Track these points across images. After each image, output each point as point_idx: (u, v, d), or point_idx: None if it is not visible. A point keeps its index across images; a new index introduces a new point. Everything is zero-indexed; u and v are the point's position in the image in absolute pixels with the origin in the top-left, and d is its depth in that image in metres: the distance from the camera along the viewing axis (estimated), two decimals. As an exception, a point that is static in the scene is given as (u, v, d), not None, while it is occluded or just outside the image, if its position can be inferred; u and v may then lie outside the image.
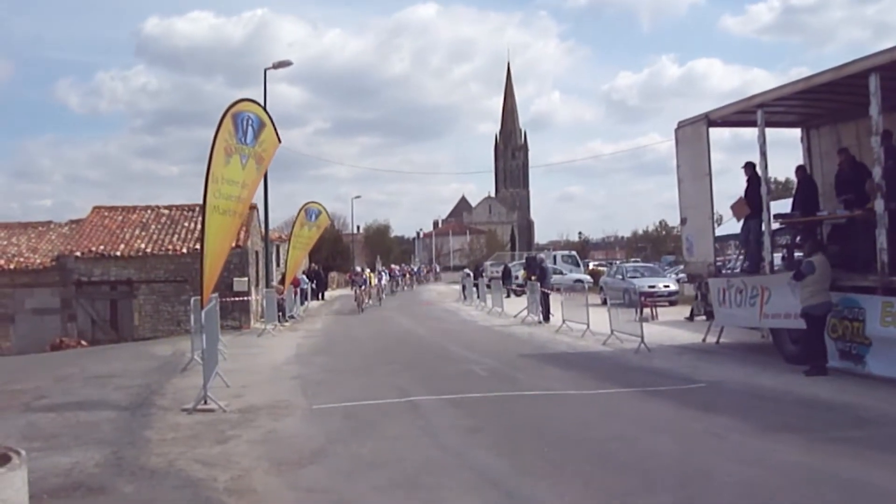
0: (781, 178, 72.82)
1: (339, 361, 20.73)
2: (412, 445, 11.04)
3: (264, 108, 17.93)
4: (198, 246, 16.00)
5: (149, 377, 18.43)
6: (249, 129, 16.93)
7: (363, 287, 44.60)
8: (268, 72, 36.32)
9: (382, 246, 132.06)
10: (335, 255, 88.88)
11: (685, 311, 31.05)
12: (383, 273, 59.43)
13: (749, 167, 20.08)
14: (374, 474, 9.52)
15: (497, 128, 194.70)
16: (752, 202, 19.63)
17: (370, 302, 46.19)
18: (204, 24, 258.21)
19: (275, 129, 18.06)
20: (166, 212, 38.79)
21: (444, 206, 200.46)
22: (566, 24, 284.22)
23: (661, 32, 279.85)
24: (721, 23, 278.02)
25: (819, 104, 19.85)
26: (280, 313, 34.72)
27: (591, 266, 74.97)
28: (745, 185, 20.04)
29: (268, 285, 37.03)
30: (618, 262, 70.61)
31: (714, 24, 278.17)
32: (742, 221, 20.66)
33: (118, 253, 34.89)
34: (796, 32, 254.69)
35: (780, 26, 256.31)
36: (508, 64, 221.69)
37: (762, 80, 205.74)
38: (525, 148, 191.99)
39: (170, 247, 35.21)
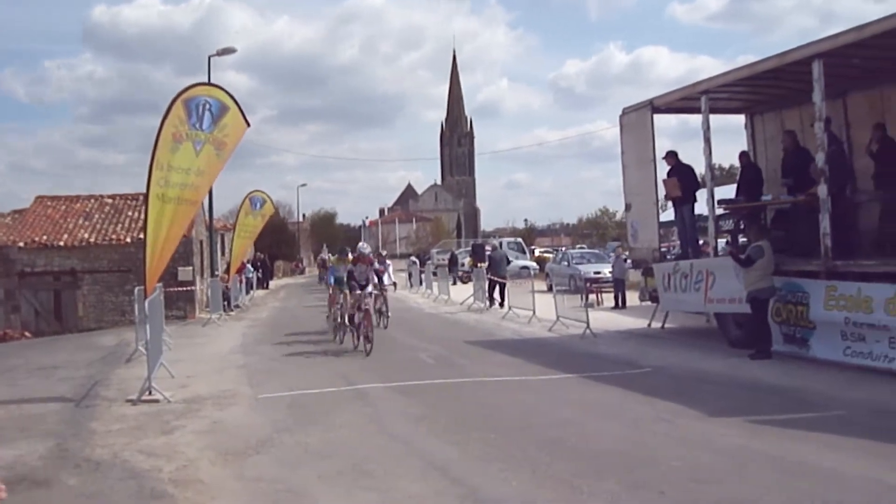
0: (726, 165, 73.41)
1: (285, 350, 20.64)
2: (359, 434, 11.02)
3: (228, 92, 17.63)
4: (142, 235, 15.82)
5: (93, 368, 18.26)
6: (206, 114, 16.64)
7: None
8: (212, 59, 36.09)
9: (328, 234, 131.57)
10: (280, 243, 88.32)
11: (632, 296, 31.15)
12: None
13: (671, 156, 20.25)
14: (321, 463, 9.51)
15: (443, 115, 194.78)
16: (682, 189, 19.78)
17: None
18: (152, 11, 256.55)
19: (241, 112, 17.77)
20: (110, 201, 38.37)
21: (391, 194, 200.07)
22: (515, 12, 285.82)
23: (609, 20, 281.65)
24: (669, 10, 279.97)
25: (763, 90, 20.00)
26: (225, 303, 34.55)
27: (537, 253, 75.07)
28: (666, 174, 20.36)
29: (213, 275, 36.81)
30: (563, 248, 70.68)
31: (662, 12, 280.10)
32: (673, 208, 20.84)
33: (61, 243, 34.53)
34: (744, 20, 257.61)
35: (728, 14, 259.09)
36: (454, 52, 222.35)
37: (710, 68, 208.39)
38: (471, 135, 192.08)
39: (114, 236, 34.88)
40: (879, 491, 7.74)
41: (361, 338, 19.40)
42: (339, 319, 22.00)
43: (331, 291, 24.23)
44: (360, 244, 22.07)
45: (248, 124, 18.14)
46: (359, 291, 19.87)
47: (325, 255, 64.81)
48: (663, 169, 20.41)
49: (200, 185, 17.02)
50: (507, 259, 38.30)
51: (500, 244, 55.42)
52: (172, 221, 15.93)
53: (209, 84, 17.78)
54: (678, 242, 23.15)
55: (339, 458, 9.73)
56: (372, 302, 20.15)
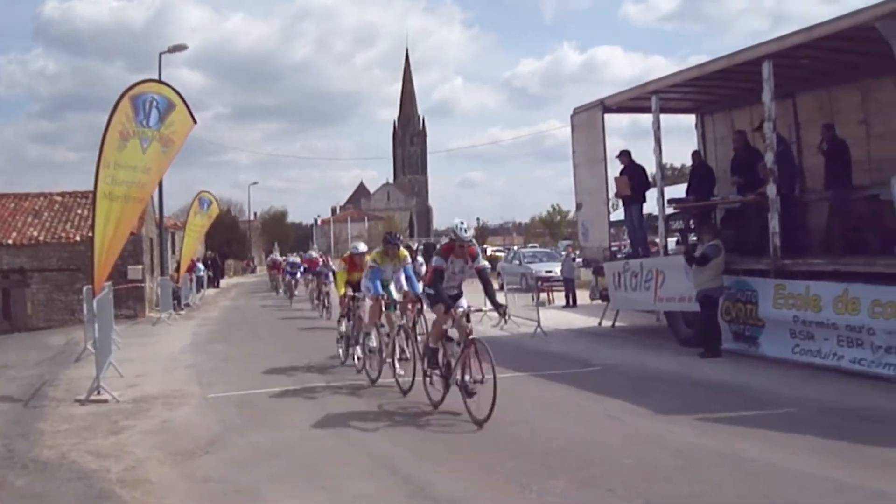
0: (678, 165, 73.82)
1: (235, 349, 20.57)
2: (309, 433, 10.97)
3: (175, 89, 17.49)
4: (91, 234, 15.69)
5: (42, 368, 18.10)
6: (153, 111, 16.50)
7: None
8: (164, 56, 35.88)
9: (279, 233, 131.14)
10: (231, 242, 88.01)
11: (582, 295, 31.20)
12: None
13: (624, 155, 20.38)
14: (272, 463, 9.46)
15: (396, 114, 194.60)
16: (632, 188, 19.91)
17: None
18: (104, 7, 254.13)
19: (188, 109, 17.64)
20: (59, 199, 37.88)
21: (343, 193, 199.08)
22: (471, 11, 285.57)
23: (563, 20, 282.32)
24: (623, 11, 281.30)
25: (713, 91, 20.14)
26: (175, 302, 34.28)
27: (489, 252, 75.02)
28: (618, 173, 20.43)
29: (163, 273, 36.56)
30: (515, 247, 70.76)
31: (616, 12, 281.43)
32: (623, 207, 20.96)
33: (10, 241, 34.05)
34: (697, 21, 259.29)
35: (680, 15, 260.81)
36: (407, 50, 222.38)
37: (662, 68, 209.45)
38: (424, 134, 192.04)
39: (63, 234, 34.48)
40: (829, 488, 7.81)
41: (462, 393, 11.30)
42: (378, 350, 14.72)
43: (366, 303, 15.44)
44: (455, 221, 11.80)
45: (195, 121, 18.01)
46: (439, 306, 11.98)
47: (276, 255, 64.02)
48: (614, 168, 20.54)
49: (147, 182, 16.88)
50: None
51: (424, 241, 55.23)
52: (120, 220, 15.79)
53: (156, 81, 17.63)
54: (629, 241, 23.28)
55: (289, 457, 9.70)
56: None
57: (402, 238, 15.85)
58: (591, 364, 16.00)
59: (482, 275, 12.19)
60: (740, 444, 9.42)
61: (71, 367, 18.10)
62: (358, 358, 15.62)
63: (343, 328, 17.03)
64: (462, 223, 11.88)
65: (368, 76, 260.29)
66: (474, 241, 12.55)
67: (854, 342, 13.63)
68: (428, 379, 12.28)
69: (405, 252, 15.35)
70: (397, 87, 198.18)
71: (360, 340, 15.56)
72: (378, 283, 14.89)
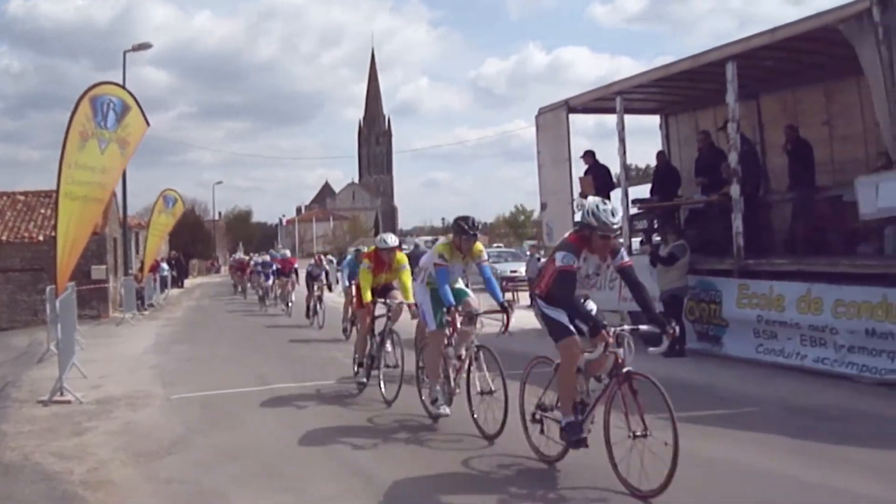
0: (642, 165, 74.09)
1: (199, 350, 20.42)
2: (273, 434, 10.93)
3: (130, 92, 17.47)
4: (54, 233, 15.65)
5: (4, 369, 17.99)
6: (111, 112, 16.50)
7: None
8: (129, 54, 35.70)
9: (244, 232, 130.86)
10: (196, 241, 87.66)
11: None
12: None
13: (588, 156, 20.46)
14: (234, 464, 9.39)
15: (361, 114, 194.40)
16: (596, 189, 19.97)
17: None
18: (69, 5, 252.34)
19: (142, 112, 17.62)
20: (22, 198, 37.55)
21: (308, 192, 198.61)
22: (438, 10, 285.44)
23: (530, 20, 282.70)
24: (590, 11, 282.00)
25: (678, 91, 20.22)
26: (139, 302, 34.12)
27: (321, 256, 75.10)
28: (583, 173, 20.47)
29: (127, 273, 36.34)
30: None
31: (582, 13, 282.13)
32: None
33: (-28, 241, 33.75)
34: (663, 22, 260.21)
35: (647, 16, 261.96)
36: (373, 50, 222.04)
37: (629, 69, 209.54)
38: (389, 134, 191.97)
39: (26, 234, 34.23)
40: (792, 486, 7.84)
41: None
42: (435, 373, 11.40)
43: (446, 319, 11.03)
44: (593, 201, 8.35)
45: (148, 124, 18.04)
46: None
47: (241, 254, 63.51)
48: (579, 168, 20.59)
49: (106, 183, 16.85)
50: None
51: (413, 244, 55.20)
52: (80, 220, 15.76)
53: (113, 83, 17.58)
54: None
55: (253, 458, 9.62)
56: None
57: (478, 225, 10.95)
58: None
59: (628, 275, 8.70)
60: (704, 443, 9.43)
61: (34, 367, 17.96)
62: (386, 382, 12.95)
63: (368, 346, 13.66)
64: (605, 203, 8.27)
65: (334, 75, 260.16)
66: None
67: (817, 341, 13.72)
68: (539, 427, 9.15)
69: (481, 245, 11.19)
70: (363, 86, 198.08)
71: (418, 362, 12.13)
72: (449, 290, 10.81)
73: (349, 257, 22.92)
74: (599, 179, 20.14)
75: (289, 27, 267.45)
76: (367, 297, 13.37)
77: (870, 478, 8.00)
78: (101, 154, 16.21)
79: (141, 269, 38.98)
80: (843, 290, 13.30)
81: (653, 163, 22.31)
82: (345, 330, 21.09)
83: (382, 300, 13.49)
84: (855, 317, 13.01)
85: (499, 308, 11.01)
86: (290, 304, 30.52)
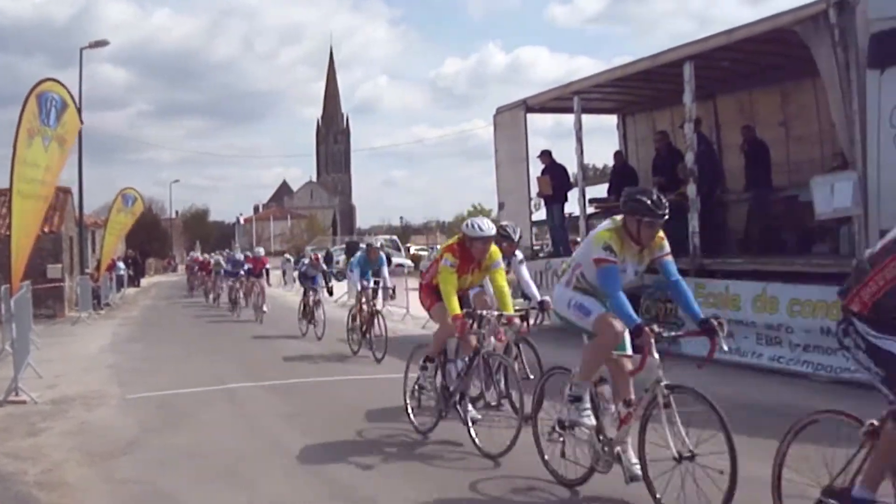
0: (599, 165, 74.39)
1: (155, 349, 20.26)
2: (229, 434, 10.86)
3: (68, 90, 17.34)
4: (4, 232, 15.53)
5: (-42, 369, 17.74)
6: (52, 109, 16.41)
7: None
8: (86, 52, 35.46)
9: (201, 231, 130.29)
10: (152, 240, 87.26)
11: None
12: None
13: (545, 155, 20.50)
14: (190, 464, 9.32)
15: (320, 112, 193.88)
16: (554, 188, 20.03)
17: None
18: (27, 3, 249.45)
19: (77, 111, 17.50)
20: (-25, 197, 37.22)
21: (266, 191, 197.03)
22: (398, 9, 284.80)
23: (490, 20, 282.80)
24: (549, 12, 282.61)
25: (635, 91, 20.31)
26: (95, 301, 33.82)
27: (412, 250, 75.16)
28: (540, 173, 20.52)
29: (83, 272, 36.04)
30: (438, 246, 71.06)
31: (542, 13, 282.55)
32: (545, 207, 21.09)
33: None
34: (623, 23, 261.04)
35: (607, 16, 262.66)
36: (332, 48, 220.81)
37: (587, 69, 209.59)
38: (347, 132, 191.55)
39: (-24, 233, 33.83)
40: (745, 484, 7.86)
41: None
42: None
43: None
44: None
45: (82, 122, 17.94)
46: None
47: (198, 253, 63.06)
48: (536, 168, 20.65)
49: (49, 181, 16.79)
50: (389, 258, 38.12)
51: (375, 242, 55.20)
52: (30, 218, 15.64)
53: (55, 80, 17.42)
54: (550, 241, 23.42)
55: (208, 458, 9.56)
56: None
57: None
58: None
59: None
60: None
61: (-13, 367, 17.75)
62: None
63: (454, 374, 10.07)
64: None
65: (293, 74, 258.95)
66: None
67: (773, 340, 13.82)
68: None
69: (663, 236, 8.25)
70: (321, 84, 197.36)
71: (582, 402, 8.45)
72: (626, 301, 7.77)
73: (359, 254, 19.38)
74: (556, 179, 20.21)
75: (248, 25, 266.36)
76: (455, 307, 9.63)
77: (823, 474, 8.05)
78: (45, 152, 16.14)
79: (97, 268, 38.73)
80: (799, 290, 13.40)
81: (610, 162, 22.42)
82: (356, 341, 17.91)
83: (473, 311, 10.03)
84: (810, 316, 13.11)
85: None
86: (263, 310, 27.39)
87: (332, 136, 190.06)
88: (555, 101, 20.61)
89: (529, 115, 21.08)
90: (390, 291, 17.84)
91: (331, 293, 25.42)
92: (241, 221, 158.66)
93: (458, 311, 9.53)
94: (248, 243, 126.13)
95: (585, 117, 19.42)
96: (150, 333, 24.43)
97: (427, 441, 10.03)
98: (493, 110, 22.28)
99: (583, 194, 19.25)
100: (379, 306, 17.87)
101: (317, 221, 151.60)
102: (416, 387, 10.53)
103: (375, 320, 17.21)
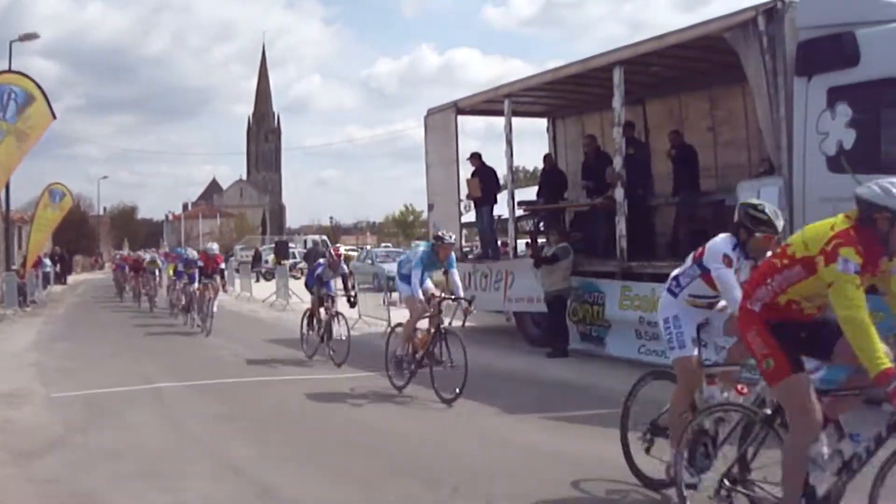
0: (530, 167, 74.84)
1: (81, 348, 19.97)
2: (154, 434, 10.74)
3: (37, 83, 16.97)
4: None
5: None
6: (11, 103, 16.05)
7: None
8: (15, 45, 34.87)
9: (129, 228, 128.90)
10: (80, 237, 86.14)
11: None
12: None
13: (475, 158, 20.51)
14: (115, 464, 9.18)
15: (251, 110, 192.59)
16: (483, 190, 20.08)
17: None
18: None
19: (48, 104, 17.12)
20: None
21: (196, 189, 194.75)
22: (332, 8, 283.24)
23: (423, 21, 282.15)
24: (483, 14, 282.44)
25: (565, 95, 20.40)
26: (21, 298, 33.25)
27: (342, 250, 74.80)
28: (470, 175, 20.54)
29: (8, 269, 35.50)
30: (368, 247, 70.88)
31: (476, 16, 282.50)
32: (474, 209, 21.16)
33: None
34: (556, 26, 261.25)
35: (540, 20, 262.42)
36: (264, 46, 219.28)
37: (520, 71, 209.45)
38: (278, 131, 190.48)
39: None
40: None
41: None
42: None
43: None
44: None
45: (55, 116, 17.52)
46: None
47: (126, 250, 62.17)
48: (467, 170, 20.65)
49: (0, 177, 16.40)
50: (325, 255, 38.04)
51: (302, 241, 55.05)
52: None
53: (18, 73, 17.06)
54: (479, 242, 23.48)
55: (133, 458, 9.43)
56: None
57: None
58: (439, 363, 16.01)
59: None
60: (584, 443, 9.55)
61: None
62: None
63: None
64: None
65: (225, 71, 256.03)
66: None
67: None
68: None
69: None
70: (254, 82, 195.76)
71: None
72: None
73: (420, 250, 14.33)
74: (486, 181, 20.21)
75: (180, 21, 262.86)
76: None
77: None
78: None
79: (23, 265, 38.11)
80: (723, 293, 13.53)
81: (540, 165, 22.50)
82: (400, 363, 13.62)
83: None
84: (735, 319, 13.24)
85: None
86: (211, 317, 22.41)
87: (264, 135, 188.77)
88: (486, 104, 20.61)
89: (461, 117, 21.06)
90: (468, 306, 13.25)
91: (353, 304, 18.79)
92: (170, 219, 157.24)
93: None
94: (176, 241, 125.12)
95: (516, 120, 19.49)
96: (76, 331, 24.05)
97: (354, 441, 10.00)
98: (425, 111, 22.24)
99: (512, 197, 19.30)
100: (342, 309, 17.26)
101: (246, 220, 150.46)
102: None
103: (334, 322, 16.59)
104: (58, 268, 52.35)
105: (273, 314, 28.44)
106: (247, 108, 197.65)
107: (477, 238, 26.91)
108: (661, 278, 14.87)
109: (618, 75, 15.69)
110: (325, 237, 72.78)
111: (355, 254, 58.58)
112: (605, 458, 8.73)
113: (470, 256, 22.13)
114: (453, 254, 13.44)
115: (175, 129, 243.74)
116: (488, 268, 19.27)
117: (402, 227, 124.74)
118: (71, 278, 60.71)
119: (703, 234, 16.53)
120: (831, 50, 12.16)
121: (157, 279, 33.29)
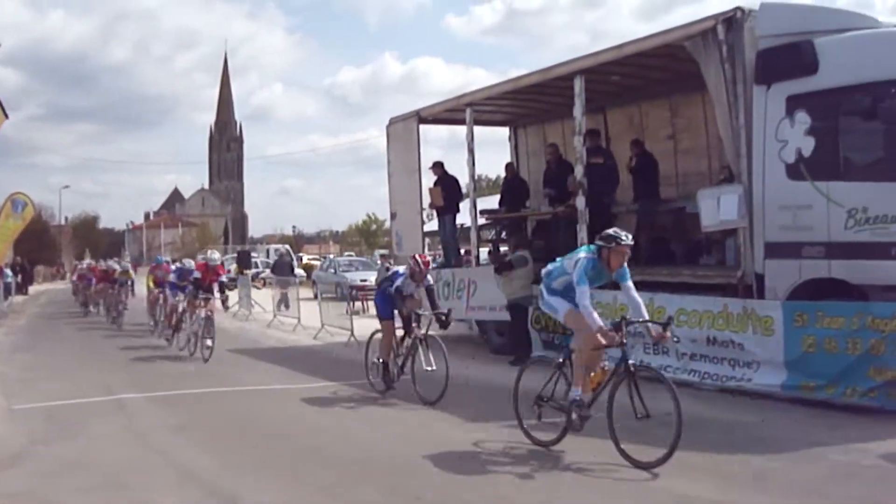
0: (492, 176, 74.93)
1: (43, 359, 19.78)
2: (117, 445, 10.65)
3: None
4: None
5: None
6: None
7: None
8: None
9: (91, 238, 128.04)
10: (41, 247, 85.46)
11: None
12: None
13: (437, 167, 20.55)
14: (77, 476, 9.12)
15: (213, 119, 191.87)
16: (445, 199, 20.11)
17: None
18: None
19: (0, 105, 16.99)
20: None
21: (158, 198, 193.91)
22: (294, 17, 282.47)
23: (386, 30, 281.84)
24: (445, 23, 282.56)
25: (527, 104, 20.47)
26: (-18, 308, 32.95)
27: (304, 260, 74.70)
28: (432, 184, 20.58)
29: (-32, 280, 35.18)
30: (331, 256, 70.79)
31: (439, 25, 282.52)
32: (437, 218, 21.20)
33: None
34: (518, 35, 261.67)
35: (502, 29, 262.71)
36: (226, 54, 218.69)
37: (483, 80, 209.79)
38: (241, 140, 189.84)
39: None
40: (631, 490, 7.95)
41: None
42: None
43: None
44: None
45: (7, 116, 17.38)
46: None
47: (88, 260, 61.70)
48: (429, 179, 20.67)
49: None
50: (292, 266, 38.12)
51: (265, 251, 54.93)
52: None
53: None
54: (442, 251, 23.51)
55: (96, 470, 9.37)
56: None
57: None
58: (404, 373, 15.98)
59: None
60: (546, 449, 9.55)
61: None
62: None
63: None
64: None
65: (187, 79, 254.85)
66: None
67: (660, 350, 13.94)
68: None
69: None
70: (216, 91, 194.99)
71: None
72: None
73: (583, 257, 10.75)
74: (448, 190, 20.25)
75: (142, 29, 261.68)
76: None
77: (706, 481, 8.18)
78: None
79: (-16, 276, 37.75)
80: (685, 300, 13.60)
81: (502, 174, 22.56)
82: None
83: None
84: (697, 326, 13.31)
85: None
86: (211, 344, 18.57)
87: (226, 144, 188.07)
88: (448, 113, 20.63)
89: (424, 126, 21.08)
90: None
91: (446, 324, 14.55)
92: (131, 228, 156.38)
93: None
94: (137, 251, 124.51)
95: (478, 129, 19.50)
96: (38, 343, 23.80)
97: (317, 449, 9.97)
98: (388, 120, 22.23)
99: (474, 205, 19.32)
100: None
101: (208, 230, 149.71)
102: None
103: (421, 349, 13.81)
104: (19, 278, 51.89)
105: (236, 324, 28.30)
106: (209, 117, 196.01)
107: (440, 247, 26.95)
108: (622, 286, 15.03)
109: (579, 84, 15.75)
110: (287, 247, 72.56)
111: (318, 263, 58.66)
112: (571, 466, 8.78)
113: (432, 265, 22.15)
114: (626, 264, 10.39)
115: (137, 139, 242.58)
116: (451, 275, 19.27)
117: (365, 235, 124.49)
118: (32, 289, 60.20)
119: (664, 242, 16.76)
120: (790, 58, 12.30)
121: (130, 292, 30.21)
